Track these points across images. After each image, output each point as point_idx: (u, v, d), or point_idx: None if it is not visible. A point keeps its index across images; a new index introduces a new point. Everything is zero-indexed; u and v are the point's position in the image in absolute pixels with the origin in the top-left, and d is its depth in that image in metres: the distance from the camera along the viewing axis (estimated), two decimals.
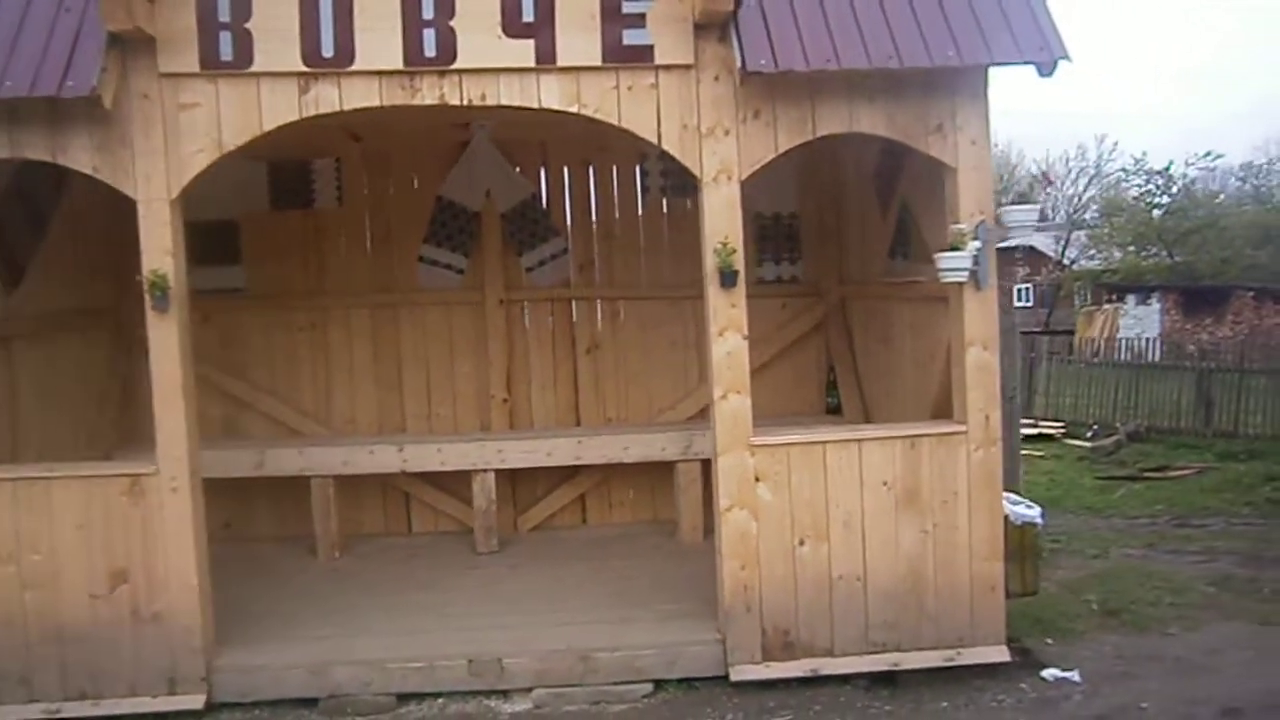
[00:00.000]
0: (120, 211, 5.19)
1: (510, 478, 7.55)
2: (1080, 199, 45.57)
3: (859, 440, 5.49)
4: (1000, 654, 5.51)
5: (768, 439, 5.41)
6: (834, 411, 7.75)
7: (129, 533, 5.07)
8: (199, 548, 5.15)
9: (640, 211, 7.92)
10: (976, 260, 5.31)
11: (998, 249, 5.43)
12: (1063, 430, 16.96)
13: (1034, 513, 5.78)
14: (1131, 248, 36.63)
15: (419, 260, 7.67)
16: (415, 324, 7.72)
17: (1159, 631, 6.14)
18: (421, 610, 6.07)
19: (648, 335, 7.93)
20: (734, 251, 5.25)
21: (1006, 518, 5.58)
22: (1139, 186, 36.43)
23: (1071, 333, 31.04)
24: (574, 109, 5.17)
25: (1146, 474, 13.19)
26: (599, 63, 5.11)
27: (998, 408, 5.51)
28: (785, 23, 5.14)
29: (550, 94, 5.14)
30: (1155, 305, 31.07)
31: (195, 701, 5.11)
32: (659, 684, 5.41)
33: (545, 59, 5.08)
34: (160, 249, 4.98)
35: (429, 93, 5.07)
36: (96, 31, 4.74)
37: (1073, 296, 39.85)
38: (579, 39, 5.09)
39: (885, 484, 5.45)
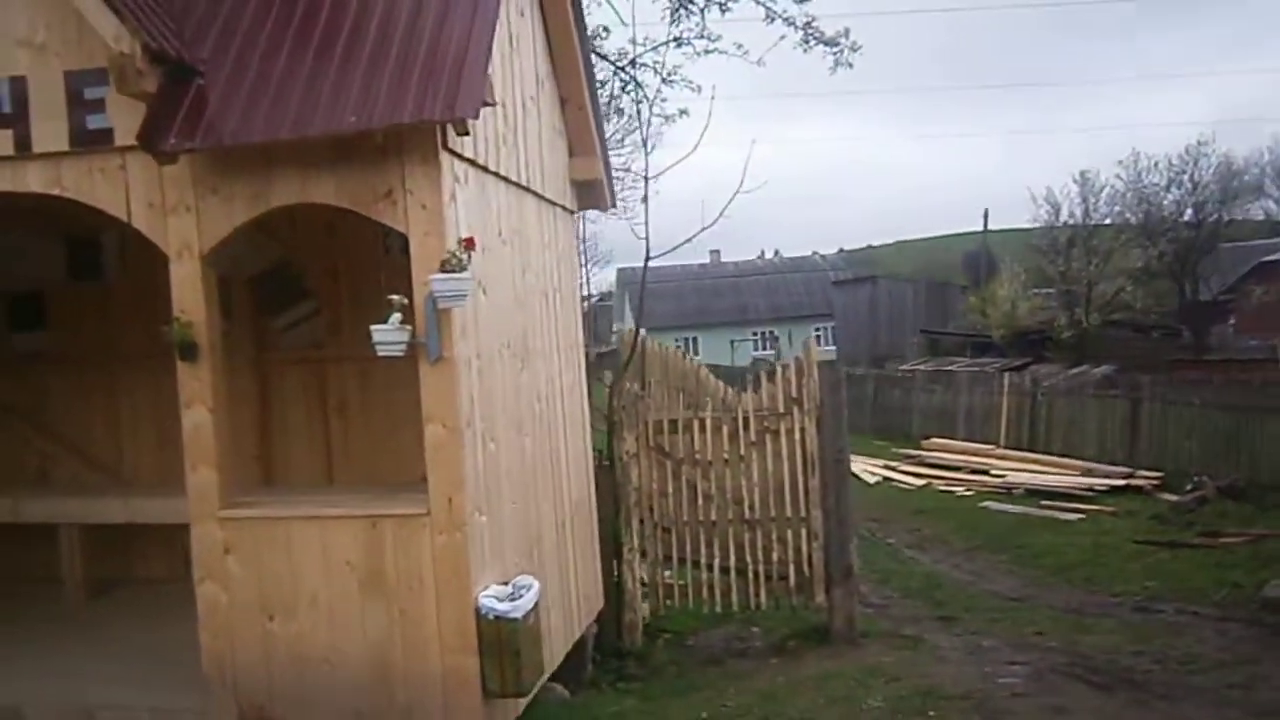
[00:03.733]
0: None
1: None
2: None
3: (321, 518, 5.32)
4: None
5: (234, 513, 5.37)
6: None
7: None
8: None
9: (383, 275, 7.98)
10: (414, 333, 5.03)
11: None
12: (1158, 483, 14.77)
13: (509, 606, 5.22)
14: None
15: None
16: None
17: None
18: (33, 655, 6.48)
19: (394, 396, 7.95)
20: (190, 325, 5.31)
21: (478, 610, 5.14)
22: None
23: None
24: (56, 191, 5.47)
25: (1192, 541, 11.36)
26: (67, 148, 5.39)
27: (463, 489, 5.12)
28: (224, 97, 5.17)
29: (35, 179, 5.49)
30: None
31: None
32: None
33: (23, 146, 5.43)
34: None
35: None
36: None
37: None
38: (50, 126, 5.40)
39: (349, 564, 5.24)
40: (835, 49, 11.21)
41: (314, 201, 5.26)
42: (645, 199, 9.90)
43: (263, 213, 5.30)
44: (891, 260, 56.53)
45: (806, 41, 11.10)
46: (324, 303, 8.07)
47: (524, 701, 5.74)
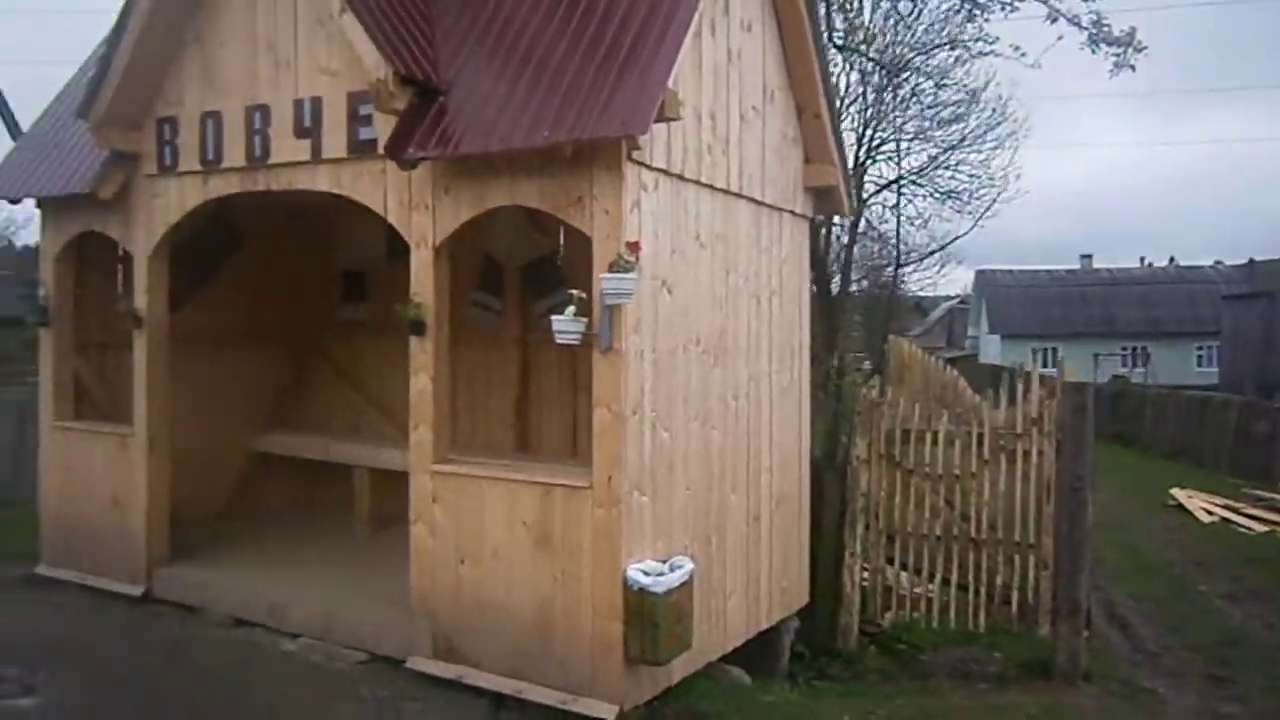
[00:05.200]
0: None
1: None
2: None
3: (507, 480, 6.05)
4: (608, 711, 5.64)
5: (442, 467, 6.27)
6: None
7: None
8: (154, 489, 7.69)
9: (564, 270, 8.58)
10: (591, 324, 5.61)
11: None
12: None
13: (653, 580, 5.56)
14: None
15: (471, 303, 9.37)
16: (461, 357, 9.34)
17: None
18: (312, 567, 7.90)
19: None
20: (420, 305, 6.27)
21: (625, 580, 5.63)
22: None
23: None
24: (338, 190, 6.65)
25: None
26: (345, 155, 6.54)
27: (622, 469, 5.64)
28: (455, 115, 6.04)
29: (324, 180, 6.70)
30: None
31: (137, 590, 7.68)
32: (374, 655, 6.59)
33: (316, 154, 6.66)
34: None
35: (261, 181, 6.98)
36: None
37: None
38: (335, 137, 6.58)
39: (525, 524, 5.95)
40: (1118, 50, 10.32)
41: (520, 204, 5.99)
42: (898, 205, 9.60)
43: (481, 212, 6.12)
44: None
45: (1093, 42, 10.33)
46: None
47: (676, 673, 6.19)
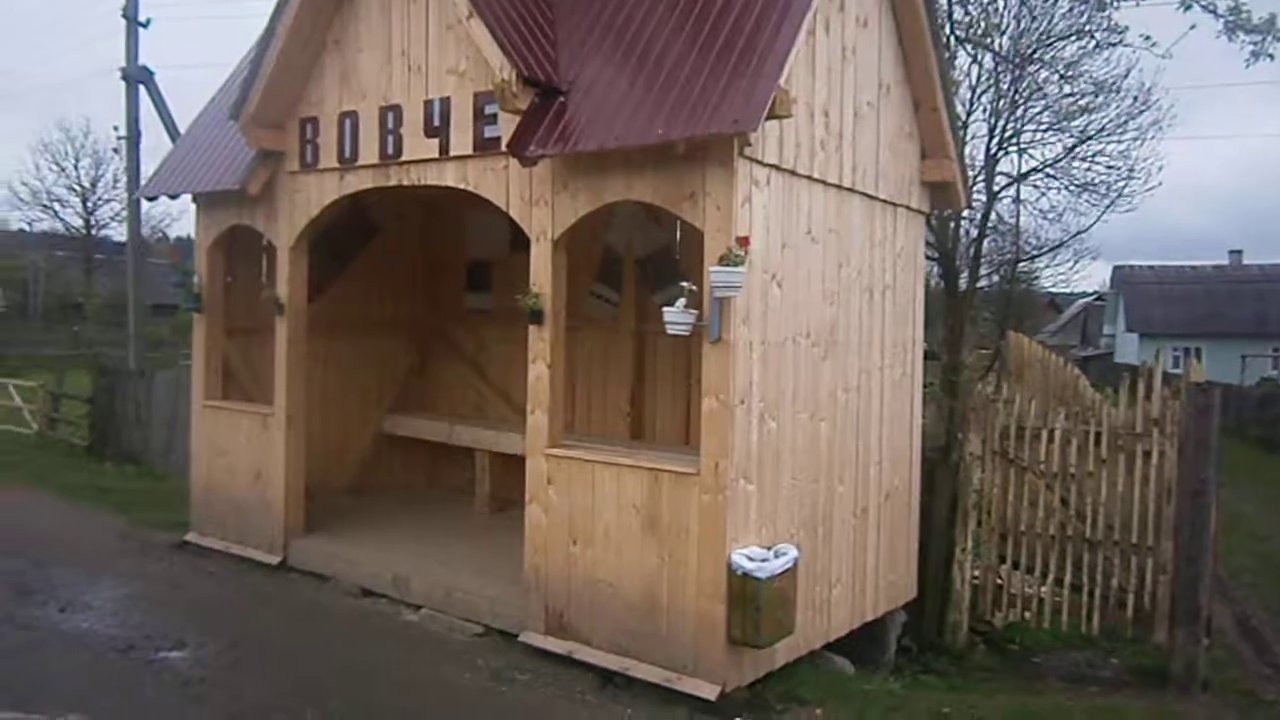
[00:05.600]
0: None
1: None
2: None
3: (617, 465, 6.29)
4: (710, 691, 5.82)
5: (557, 451, 6.55)
6: None
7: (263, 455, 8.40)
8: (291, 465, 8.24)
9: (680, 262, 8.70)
10: (701, 315, 5.80)
11: None
12: None
13: (756, 565, 5.66)
14: None
15: (590, 294, 9.65)
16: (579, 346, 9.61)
17: None
18: (434, 544, 8.32)
19: None
20: (539, 295, 6.56)
21: (729, 565, 5.79)
22: None
23: None
24: (464, 185, 7.00)
25: None
26: (471, 152, 6.87)
27: (729, 457, 5.80)
28: (574, 114, 6.29)
29: (451, 175, 7.06)
30: None
31: (274, 559, 8.25)
32: (489, 628, 6.94)
33: (444, 151, 7.02)
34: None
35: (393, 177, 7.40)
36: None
37: None
38: (461, 135, 6.92)
39: (635, 507, 6.17)
40: (1257, 37, 9.81)
41: (636, 199, 6.20)
42: (1018, 199, 9.43)
43: (598, 207, 6.36)
44: None
45: (1230, 30, 9.85)
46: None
47: (779, 658, 6.33)
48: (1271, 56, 9.93)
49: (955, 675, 7.99)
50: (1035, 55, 12.91)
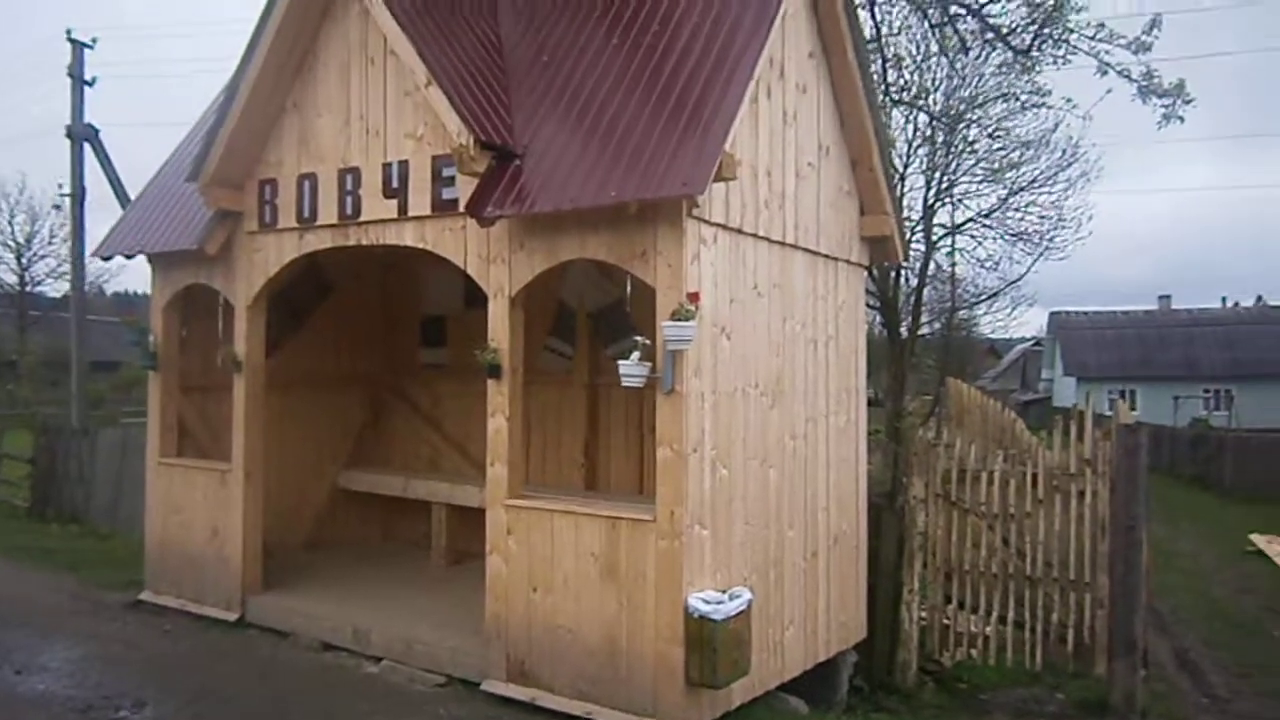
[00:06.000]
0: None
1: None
2: None
3: (575, 514, 6.48)
4: None
5: (516, 502, 6.73)
6: None
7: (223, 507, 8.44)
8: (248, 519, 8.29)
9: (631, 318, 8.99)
10: (654, 367, 6.05)
11: None
12: None
13: (712, 608, 5.88)
14: None
15: (545, 349, 9.87)
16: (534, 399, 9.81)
17: None
18: (393, 596, 8.40)
19: None
20: (497, 350, 6.77)
21: (686, 608, 5.99)
22: None
23: None
24: (422, 245, 7.22)
25: None
26: (429, 213, 7.11)
27: (683, 504, 6.03)
28: (529, 177, 6.56)
29: (410, 235, 7.28)
30: None
31: (231, 615, 8.26)
32: (451, 678, 7.03)
33: (403, 212, 7.24)
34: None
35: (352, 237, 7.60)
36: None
37: None
38: (420, 196, 7.15)
39: (593, 555, 6.36)
40: (1168, 101, 10.55)
41: (590, 257, 6.47)
42: (954, 248, 9.90)
43: (554, 265, 6.62)
44: None
45: (1142, 94, 10.57)
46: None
47: (736, 698, 6.51)
48: (1181, 119, 10.64)
49: (906, 713, 8.23)
50: (965, 115, 13.55)
